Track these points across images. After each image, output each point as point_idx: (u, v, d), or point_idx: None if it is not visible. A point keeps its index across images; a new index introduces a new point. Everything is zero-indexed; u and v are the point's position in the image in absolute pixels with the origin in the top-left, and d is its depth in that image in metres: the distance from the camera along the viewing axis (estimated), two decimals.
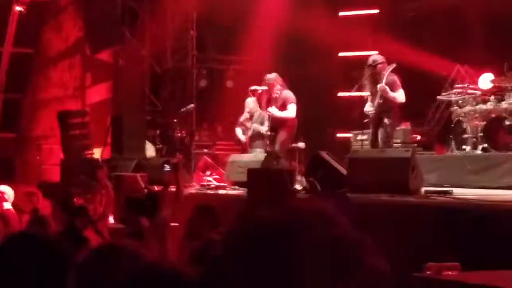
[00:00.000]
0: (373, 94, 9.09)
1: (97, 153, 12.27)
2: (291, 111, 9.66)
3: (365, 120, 9.42)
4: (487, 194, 7.92)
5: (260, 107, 10.47)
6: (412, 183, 7.43)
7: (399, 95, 9.01)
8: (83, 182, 7.80)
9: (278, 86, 9.84)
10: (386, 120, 8.98)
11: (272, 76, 9.98)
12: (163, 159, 10.24)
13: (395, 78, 9.06)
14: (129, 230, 5.76)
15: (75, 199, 7.17)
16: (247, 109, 10.74)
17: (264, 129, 9.85)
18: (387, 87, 8.86)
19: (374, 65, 9.11)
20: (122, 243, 2.35)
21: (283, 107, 9.72)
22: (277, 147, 9.67)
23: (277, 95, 9.78)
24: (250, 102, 10.77)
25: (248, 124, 10.75)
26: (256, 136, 10.52)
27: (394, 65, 9.09)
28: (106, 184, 6.81)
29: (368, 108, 9.22)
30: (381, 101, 8.94)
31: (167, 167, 7.68)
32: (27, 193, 8.89)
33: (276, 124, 9.73)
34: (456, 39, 13.87)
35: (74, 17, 16.80)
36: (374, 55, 9.30)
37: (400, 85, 9.07)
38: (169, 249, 4.99)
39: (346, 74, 15.24)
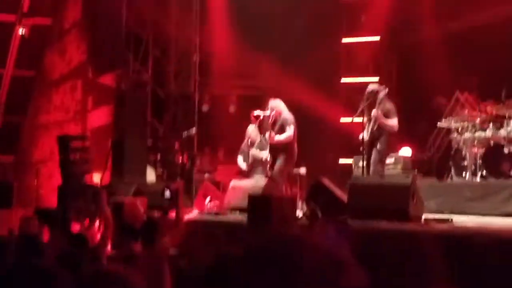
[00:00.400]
0: (370, 121, 9.13)
1: (96, 178, 12.27)
2: (288, 134, 9.67)
3: (361, 148, 9.47)
4: (487, 222, 7.93)
5: (262, 132, 10.51)
6: (412, 210, 7.46)
7: (394, 123, 9.05)
8: (82, 208, 7.79)
9: (279, 111, 9.88)
10: (378, 146, 9.02)
11: (275, 101, 10.03)
12: (163, 184, 10.26)
13: (391, 105, 9.10)
14: (122, 256, 5.75)
15: (73, 225, 7.17)
16: (247, 136, 10.82)
17: (265, 154, 9.87)
18: (381, 114, 8.91)
19: (373, 94, 9.14)
20: (114, 270, 2.37)
21: (281, 130, 9.74)
22: (276, 172, 9.67)
23: (276, 120, 9.81)
24: (251, 130, 10.83)
25: (250, 151, 10.82)
26: (257, 162, 10.56)
27: (386, 90, 9.14)
28: (105, 210, 6.81)
29: (364, 135, 9.26)
30: (375, 128, 8.99)
31: (167, 193, 7.70)
32: (24, 218, 8.86)
33: (276, 149, 9.74)
34: (456, 66, 13.94)
35: (78, 40, 16.94)
36: (373, 84, 9.34)
37: (395, 113, 9.10)
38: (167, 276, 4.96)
39: (348, 99, 15.31)
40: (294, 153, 9.90)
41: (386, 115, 8.98)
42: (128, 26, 14.12)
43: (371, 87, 9.32)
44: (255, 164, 10.63)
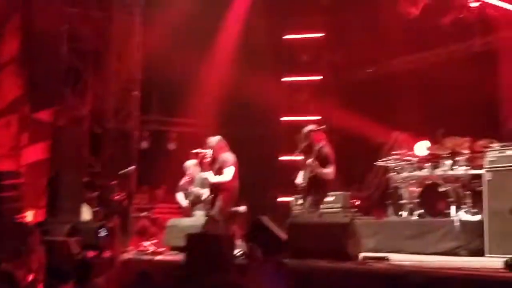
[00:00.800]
0: (305, 165, 9.09)
1: (29, 216, 11.94)
2: (226, 175, 9.62)
3: (297, 192, 9.50)
4: (423, 261, 8.01)
5: (203, 170, 10.43)
6: (350, 248, 7.48)
7: (330, 172, 9.08)
8: (13, 247, 7.52)
9: (218, 150, 9.83)
10: (314, 193, 9.03)
11: (214, 139, 9.99)
12: (99, 223, 10.04)
13: (329, 153, 9.13)
14: None
15: (3, 265, 6.91)
16: (187, 173, 10.75)
17: (205, 192, 9.79)
18: (317, 164, 8.93)
19: (308, 135, 9.14)
20: None
21: (220, 170, 9.69)
22: (216, 211, 9.60)
23: (216, 159, 9.76)
24: (190, 166, 10.76)
25: (190, 188, 10.75)
26: (197, 200, 10.50)
27: (323, 126, 9.17)
28: (37, 250, 6.60)
29: (300, 180, 9.25)
30: (311, 175, 9.00)
31: (102, 232, 7.52)
32: None
33: (216, 187, 9.68)
34: (394, 107, 14.22)
35: (15, 75, 16.59)
36: (310, 126, 9.32)
37: (332, 161, 9.13)
38: None
39: (288, 138, 15.40)
40: (235, 192, 9.85)
41: (323, 163, 8.99)
42: (67, 61, 13.92)
43: (307, 128, 9.28)
44: (195, 202, 10.57)
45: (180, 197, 10.97)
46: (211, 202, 9.72)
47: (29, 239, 6.80)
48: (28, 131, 15.49)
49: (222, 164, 9.70)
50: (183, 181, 10.92)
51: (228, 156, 9.79)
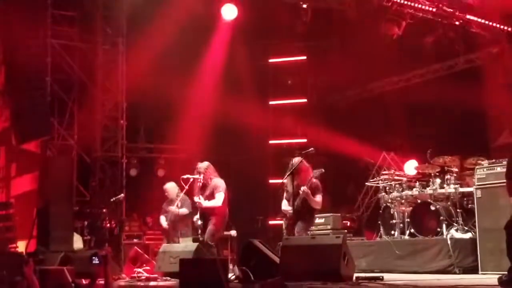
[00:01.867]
0: (292, 194, 9.07)
1: (21, 246, 11.85)
2: (218, 200, 9.63)
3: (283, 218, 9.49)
4: (417, 279, 8.01)
5: (192, 195, 10.42)
6: (343, 269, 7.46)
7: (319, 201, 9.11)
8: (6, 277, 7.45)
9: (208, 175, 9.84)
10: (303, 220, 9.03)
11: (203, 164, 10.00)
12: (91, 251, 9.97)
13: (319, 183, 9.16)
14: None
15: None
16: (166, 195, 10.97)
17: (184, 211, 9.84)
18: (309, 192, 8.95)
19: (299, 166, 9.14)
20: None
21: (211, 195, 9.70)
22: (207, 236, 9.57)
23: (206, 184, 9.76)
24: (169, 188, 11.12)
25: (168, 208, 10.95)
26: (176, 218, 10.92)
27: (321, 170, 9.18)
28: (32, 280, 6.54)
29: (286, 207, 9.25)
30: (299, 203, 9.01)
31: (95, 260, 7.47)
32: None
33: (206, 213, 9.66)
34: (381, 128, 14.33)
35: (0, 107, 16.55)
36: (296, 159, 9.29)
37: (321, 191, 9.16)
38: None
39: (277, 160, 15.45)
40: (225, 216, 9.85)
41: (313, 191, 9.03)
42: (52, 92, 13.92)
43: (295, 160, 9.24)
44: (175, 220, 10.99)
45: (162, 219, 11.40)
46: (202, 228, 9.69)
47: (25, 269, 6.74)
48: (16, 162, 15.41)
49: (213, 189, 9.71)
50: (164, 204, 11.31)
51: (219, 181, 9.81)
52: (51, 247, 10.65)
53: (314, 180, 9.05)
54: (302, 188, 8.92)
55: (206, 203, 9.58)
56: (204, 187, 9.76)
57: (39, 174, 12.66)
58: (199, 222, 9.67)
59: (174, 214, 11.07)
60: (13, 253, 11.08)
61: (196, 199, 9.61)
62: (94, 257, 7.58)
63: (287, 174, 9.12)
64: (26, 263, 6.83)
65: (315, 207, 9.18)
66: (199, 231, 9.65)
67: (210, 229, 9.60)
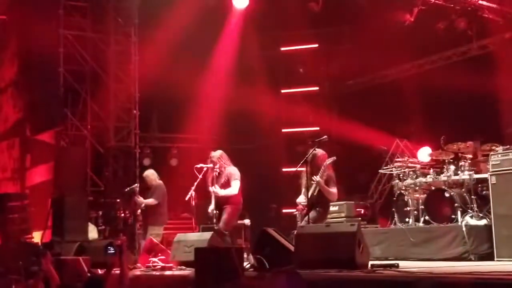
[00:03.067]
0: (307, 186, 9.09)
1: (37, 236, 11.95)
2: (234, 188, 9.64)
3: (296, 211, 9.50)
4: (432, 266, 8.00)
5: (207, 184, 10.45)
6: (358, 257, 7.46)
7: (334, 191, 9.12)
8: (23, 268, 7.51)
9: (222, 163, 9.83)
10: (318, 209, 9.04)
11: (217, 153, 10.00)
12: (106, 241, 10.04)
13: (332, 175, 9.15)
14: None
15: (16, 285, 6.90)
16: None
17: (211, 207, 9.78)
18: (323, 181, 8.95)
19: (316, 158, 9.13)
20: None
21: (227, 184, 9.69)
22: (221, 225, 9.58)
23: (221, 173, 9.75)
24: (148, 175, 11.81)
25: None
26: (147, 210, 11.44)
27: (333, 158, 9.17)
28: (50, 270, 6.59)
29: (301, 199, 9.27)
30: (315, 194, 9.01)
31: (110, 249, 7.51)
32: None
33: (221, 202, 9.67)
34: (394, 115, 14.26)
35: (14, 99, 16.64)
36: (314, 151, 9.26)
37: (335, 182, 9.16)
38: None
39: (290, 149, 15.46)
40: (240, 205, 9.85)
41: (327, 182, 9.03)
42: (65, 82, 13.98)
43: (312, 153, 9.20)
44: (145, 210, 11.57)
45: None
46: (218, 217, 9.69)
47: (42, 259, 6.79)
48: (31, 153, 15.51)
49: (228, 177, 9.70)
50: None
51: (233, 169, 9.81)
52: (66, 237, 10.74)
53: (327, 172, 9.04)
54: (315, 177, 8.91)
55: (222, 192, 9.57)
56: (219, 175, 9.76)
57: (53, 165, 12.76)
58: (214, 212, 9.67)
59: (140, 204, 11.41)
60: (29, 244, 11.19)
61: (211, 188, 9.59)
62: (109, 247, 7.62)
63: (301, 162, 9.12)
64: (44, 255, 6.88)
65: (330, 199, 9.20)
66: (214, 220, 9.65)
67: (225, 218, 9.61)
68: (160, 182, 11.72)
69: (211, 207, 9.67)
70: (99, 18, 14.57)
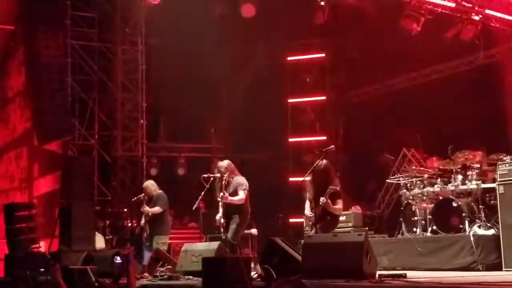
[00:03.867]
0: (314, 199, 9.08)
1: (44, 246, 11.97)
2: (241, 196, 9.63)
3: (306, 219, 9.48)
4: (440, 276, 7.96)
5: (214, 194, 10.44)
6: (366, 267, 7.42)
7: (339, 207, 9.12)
8: (30, 277, 7.51)
9: (230, 173, 9.82)
10: (325, 222, 9.05)
11: (224, 163, 9.99)
12: (113, 250, 10.03)
13: (338, 189, 9.13)
14: None
15: None
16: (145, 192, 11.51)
17: (218, 215, 9.76)
18: (329, 202, 8.96)
19: (323, 170, 9.11)
20: None
21: (234, 193, 9.68)
22: (230, 235, 9.56)
23: (229, 182, 9.73)
24: (148, 186, 11.60)
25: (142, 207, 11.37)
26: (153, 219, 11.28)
27: (337, 188, 9.16)
28: (59, 282, 6.58)
29: (308, 213, 9.27)
30: (320, 211, 9.02)
31: (118, 259, 7.50)
32: None
33: (229, 211, 9.65)
34: (401, 124, 14.25)
35: (22, 108, 16.71)
36: (321, 162, 9.22)
37: (341, 196, 9.14)
38: None
39: (296, 158, 15.46)
40: (248, 215, 9.83)
41: (333, 200, 9.03)
42: (73, 92, 14.03)
43: (322, 164, 9.17)
44: (150, 220, 11.35)
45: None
46: (225, 227, 9.65)
47: (52, 272, 6.78)
48: (38, 163, 15.56)
49: (236, 187, 9.67)
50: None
51: (241, 179, 9.78)
52: (73, 247, 10.74)
53: (332, 187, 9.02)
54: (321, 199, 8.91)
55: (230, 198, 9.54)
56: (227, 185, 9.74)
57: (60, 174, 12.78)
58: (222, 221, 9.65)
59: (147, 214, 11.30)
60: (37, 253, 11.20)
61: (219, 196, 9.55)
62: (116, 257, 7.61)
63: (308, 172, 9.10)
64: (52, 266, 6.88)
65: (336, 214, 9.20)
66: (221, 229, 9.63)
67: (233, 227, 9.58)
68: (161, 191, 11.71)
69: (219, 215, 9.66)
70: (106, 28, 14.65)
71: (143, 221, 11.46)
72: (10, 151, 17.32)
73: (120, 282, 7.10)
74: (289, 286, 5.72)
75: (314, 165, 9.13)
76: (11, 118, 17.44)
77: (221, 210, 9.60)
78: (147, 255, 11.05)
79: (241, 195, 9.60)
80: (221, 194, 9.46)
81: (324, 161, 9.15)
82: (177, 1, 13.50)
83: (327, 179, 9.06)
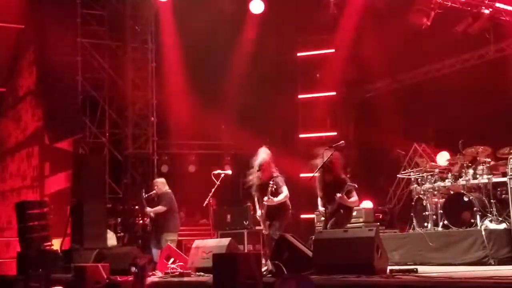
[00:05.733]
0: (325, 195, 9.09)
1: (56, 244, 12.03)
2: (285, 192, 9.52)
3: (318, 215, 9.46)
4: (451, 271, 7.94)
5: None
6: (377, 262, 7.41)
7: (355, 199, 9.13)
8: (43, 276, 7.54)
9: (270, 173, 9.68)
10: (337, 217, 9.04)
11: (264, 158, 9.81)
12: (125, 248, 10.08)
13: (355, 186, 9.13)
14: None
15: None
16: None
17: (259, 212, 9.65)
18: (345, 197, 8.96)
19: (328, 165, 9.09)
20: None
21: (276, 192, 9.52)
22: (273, 231, 9.44)
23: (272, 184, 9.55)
24: (159, 183, 11.90)
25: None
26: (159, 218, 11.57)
27: (355, 186, 9.16)
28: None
29: (322, 209, 9.27)
30: (335, 206, 9.02)
31: (133, 269, 7.50)
32: None
33: (272, 210, 9.52)
34: (412, 119, 14.20)
35: (33, 107, 16.80)
36: (328, 156, 9.20)
37: (354, 190, 9.14)
38: None
39: (307, 154, 15.42)
40: (289, 209, 9.73)
41: (349, 194, 9.05)
42: (83, 90, 14.08)
43: (328, 159, 9.15)
44: (156, 219, 11.64)
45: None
46: (269, 225, 9.57)
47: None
48: (50, 161, 15.65)
49: (276, 184, 9.52)
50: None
51: (279, 178, 9.67)
52: (85, 245, 10.79)
53: (350, 184, 9.03)
54: (337, 195, 8.92)
55: (276, 199, 9.44)
56: (265, 185, 9.55)
57: (72, 172, 12.84)
58: (262, 216, 9.54)
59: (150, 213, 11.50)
60: (49, 251, 11.27)
61: (265, 200, 9.41)
62: (132, 267, 7.60)
63: (318, 168, 9.09)
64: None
65: (352, 206, 9.21)
66: (263, 226, 9.57)
67: (276, 223, 9.50)
68: (167, 190, 11.75)
69: (260, 212, 9.54)
70: (116, 26, 14.69)
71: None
72: (21, 149, 17.42)
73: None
74: (294, 281, 5.73)
75: (324, 161, 9.11)
76: (22, 117, 17.55)
77: (258, 207, 9.54)
78: (155, 253, 11.10)
79: (285, 191, 9.54)
80: (266, 198, 9.35)
81: (333, 153, 9.12)
82: None
83: (332, 173, 9.07)
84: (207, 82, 14.86)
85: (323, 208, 9.18)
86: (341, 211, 9.12)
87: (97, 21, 14.52)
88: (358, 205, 9.41)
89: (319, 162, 9.13)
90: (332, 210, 9.06)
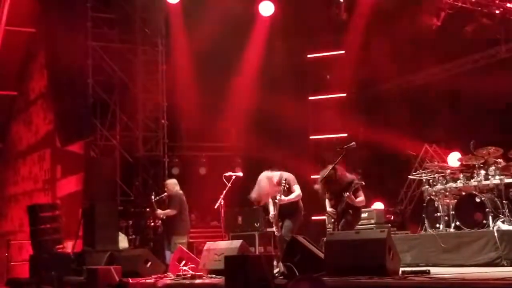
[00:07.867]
0: (333, 197, 9.10)
1: (68, 246, 12.09)
2: (297, 191, 9.50)
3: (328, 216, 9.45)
4: (463, 272, 7.91)
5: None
6: (389, 264, 7.40)
7: (361, 200, 9.12)
8: (55, 278, 7.57)
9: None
10: (348, 218, 9.04)
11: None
12: (137, 250, 10.07)
13: (362, 184, 9.12)
14: None
15: None
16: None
17: (272, 212, 9.63)
18: (353, 197, 8.96)
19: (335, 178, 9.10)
20: None
21: (288, 191, 9.51)
22: (285, 231, 9.43)
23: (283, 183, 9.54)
24: (170, 184, 12.03)
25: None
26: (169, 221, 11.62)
27: (362, 183, 9.15)
28: None
29: (330, 210, 9.27)
30: (344, 206, 9.01)
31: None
32: None
33: (284, 209, 9.51)
34: (422, 119, 14.17)
35: (44, 110, 16.87)
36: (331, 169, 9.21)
37: (361, 190, 9.13)
38: None
39: (318, 156, 15.42)
40: (302, 210, 9.72)
41: (356, 194, 9.04)
42: (94, 93, 14.13)
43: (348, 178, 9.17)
44: (167, 221, 11.75)
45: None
46: (281, 225, 9.55)
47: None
48: (61, 164, 15.71)
49: (288, 183, 9.52)
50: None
51: (287, 174, 9.64)
52: (97, 247, 10.83)
53: (357, 181, 9.03)
54: (346, 194, 8.92)
55: (287, 198, 9.42)
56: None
57: (83, 175, 12.91)
58: (275, 218, 9.51)
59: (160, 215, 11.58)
60: (61, 254, 11.32)
61: (277, 198, 9.40)
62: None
63: (331, 168, 9.08)
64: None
65: (360, 206, 9.20)
66: (275, 227, 9.55)
67: (289, 225, 9.49)
68: (177, 191, 11.76)
69: (273, 213, 9.52)
70: (126, 29, 14.72)
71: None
72: (33, 152, 17.50)
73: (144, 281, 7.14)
74: (307, 282, 5.72)
75: (335, 161, 9.13)
76: (33, 120, 17.63)
77: (271, 207, 9.50)
78: (168, 255, 11.12)
79: (297, 190, 9.52)
80: (278, 197, 9.32)
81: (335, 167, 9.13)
82: (196, 1, 13.54)
83: (338, 181, 9.08)
84: (217, 84, 14.88)
85: (332, 209, 9.17)
86: (350, 211, 9.12)
87: (107, 24, 14.56)
88: (365, 205, 9.35)
89: (322, 173, 9.17)
90: (341, 210, 9.05)
